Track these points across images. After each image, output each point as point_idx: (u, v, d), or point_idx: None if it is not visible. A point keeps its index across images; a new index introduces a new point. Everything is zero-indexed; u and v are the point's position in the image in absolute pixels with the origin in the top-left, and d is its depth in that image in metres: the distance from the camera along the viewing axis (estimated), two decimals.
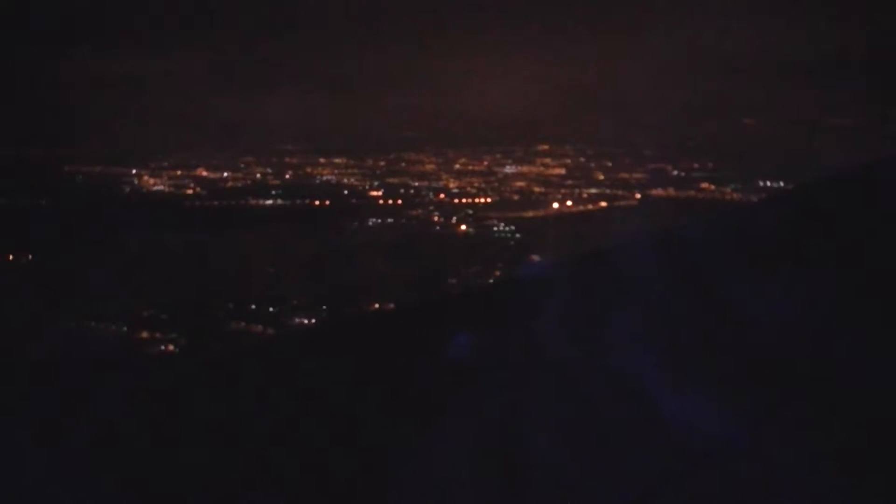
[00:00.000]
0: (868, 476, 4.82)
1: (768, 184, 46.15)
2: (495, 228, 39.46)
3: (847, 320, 6.29)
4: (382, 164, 53.62)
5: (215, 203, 44.47)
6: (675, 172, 51.14)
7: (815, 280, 6.92)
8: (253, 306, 29.99)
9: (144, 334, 27.73)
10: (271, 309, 29.72)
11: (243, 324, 28.55)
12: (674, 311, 7.17)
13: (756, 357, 6.21)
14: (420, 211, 42.62)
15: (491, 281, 30.83)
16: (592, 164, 52.38)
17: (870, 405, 5.33)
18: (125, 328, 28.32)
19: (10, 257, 34.48)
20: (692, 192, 45.97)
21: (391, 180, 49.09)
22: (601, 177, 50.46)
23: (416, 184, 48.52)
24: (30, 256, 34.73)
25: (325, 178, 50.34)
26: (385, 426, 6.91)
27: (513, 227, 39.44)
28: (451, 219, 41.09)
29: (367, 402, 7.51)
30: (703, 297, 7.14)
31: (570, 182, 49.26)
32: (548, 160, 54.79)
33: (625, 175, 50.47)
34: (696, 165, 52.21)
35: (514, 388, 6.86)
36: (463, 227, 40.05)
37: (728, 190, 46.19)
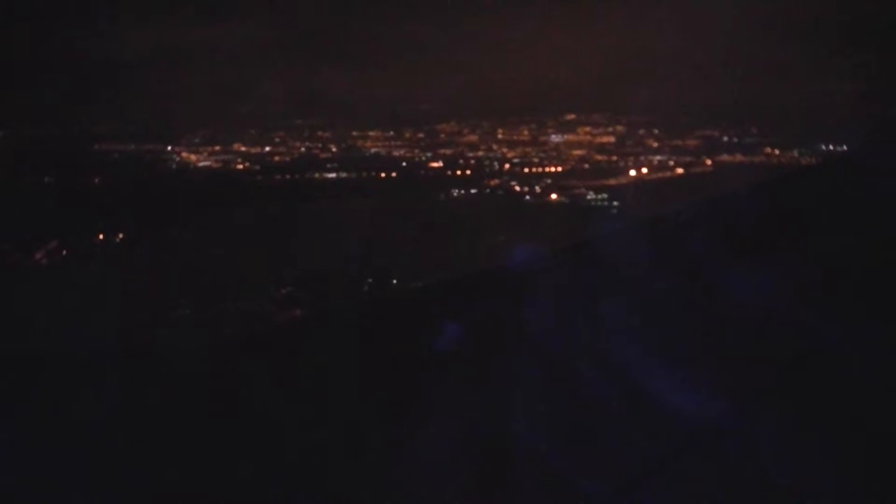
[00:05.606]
0: (856, 459, 4.54)
1: (831, 147, 45.55)
2: (588, 197, 37.97)
3: (837, 305, 6.00)
4: (421, 135, 51.79)
5: (277, 177, 42.20)
6: (726, 139, 50.23)
7: (805, 265, 6.63)
8: (395, 281, 28.08)
9: (298, 313, 25.71)
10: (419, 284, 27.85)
11: None
12: (662, 296, 6.76)
13: (745, 340, 5.91)
14: (497, 181, 40.91)
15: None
16: (641, 131, 51.19)
17: (857, 390, 5.10)
18: (270, 307, 26.26)
19: (101, 236, 32.01)
20: (762, 158, 45.04)
21: (444, 151, 47.27)
22: (655, 144, 49.30)
23: (472, 154, 46.78)
24: (120, 235, 32.28)
25: (373, 150, 48.32)
26: (366, 421, 6.11)
27: (605, 196, 38.02)
28: (535, 188, 39.49)
29: (347, 397, 6.66)
30: (692, 282, 6.76)
31: (626, 150, 48.00)
32: (588, 128, 53.48)
33: (678, 142, 49.38)
34: (742, 131, 51.42)
35: (501, 378, 6.24)
36: (553, 195, 38.48)
37: (795, 154, 45.38)
